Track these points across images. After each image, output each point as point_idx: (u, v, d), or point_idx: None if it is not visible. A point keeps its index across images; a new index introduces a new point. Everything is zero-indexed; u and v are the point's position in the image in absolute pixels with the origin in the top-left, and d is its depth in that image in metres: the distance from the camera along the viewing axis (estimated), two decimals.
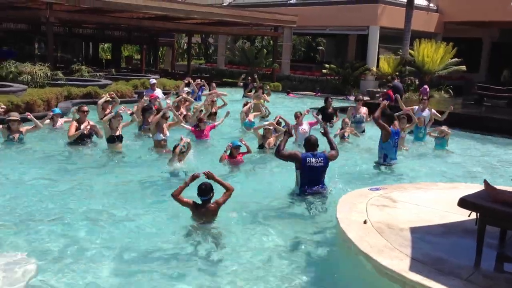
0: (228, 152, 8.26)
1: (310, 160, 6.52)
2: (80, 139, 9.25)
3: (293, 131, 7.89)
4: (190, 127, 10.50)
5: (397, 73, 21.98)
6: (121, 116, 9.06)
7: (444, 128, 10.78)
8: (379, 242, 4.39)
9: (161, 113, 9.22)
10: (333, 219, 5.92)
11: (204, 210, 5.48)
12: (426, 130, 11.45)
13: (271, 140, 9.45)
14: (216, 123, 10.97)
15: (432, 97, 20.71)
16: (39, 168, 7.84)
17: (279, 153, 6.62)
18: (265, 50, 31.44)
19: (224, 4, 30.79)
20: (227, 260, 4.90)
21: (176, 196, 5.44)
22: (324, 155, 6.68)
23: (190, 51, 32.69)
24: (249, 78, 20.68)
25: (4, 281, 4.16)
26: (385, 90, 19.12)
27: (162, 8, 20.73)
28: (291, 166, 6.83)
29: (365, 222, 4.89)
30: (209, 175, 5.56)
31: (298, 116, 10.42)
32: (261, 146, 9.46)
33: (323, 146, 7.05)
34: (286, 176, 7.33)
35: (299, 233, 5.69)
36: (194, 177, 5.55)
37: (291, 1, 29.02)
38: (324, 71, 25.51)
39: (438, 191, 6.31)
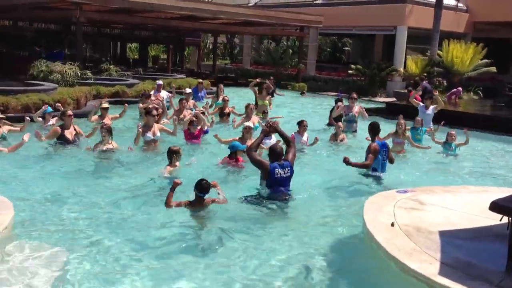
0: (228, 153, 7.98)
1: (278, 172, 6.27)
2: (62, 145, 8.90)
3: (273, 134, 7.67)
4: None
5: (425, 74, 21.68)
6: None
7: (453, 132, 10.29)
8: (407, 245, 4.35)
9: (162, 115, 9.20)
10: (353, 221, 5.95)
11: (199, 205, 5.79)
12: (425, 130, 10.97)
13: (250, 142, 8.77)
14: (205, 128, 10.20)
15: (461, 98, 20.38)
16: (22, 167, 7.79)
17: (250, 152, 6.40)
18: (290, 50, 31.39)
19: (250, 4, 30.87)
20: (250, 260, 4.91)
21: (169, 205, 5.70)
22: (289, 163, 6.41)
23: (215, 51, 32.90)
24: (268, 80, 20.71)
25: (41, 271, 4.28)
26: (407, 90, 18.89)
27: (189, 8, 20.90)
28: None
29: (392, 224, 4.84)
30: (213, 185, 5.83)
31: (302, 125, 9.95)
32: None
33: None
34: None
35: (322, 234, 5.66)
36: (176, 184, 5.74)
37: (317, 1, 28.93)
38: (350, 71, 25.33)
39: (468, 194, 6.20)
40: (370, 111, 17.53)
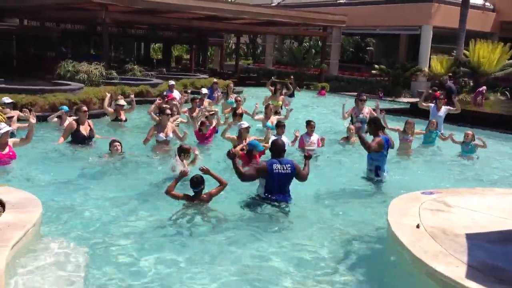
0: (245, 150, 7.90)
1: (276, 167, 6.07)
2: (79, 141, 8.99)
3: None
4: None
5: (450, 74, 21.36)
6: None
7: (469, 132, 10.08)
8: (433, 248, 4.30)
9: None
10: (377, 222, 5.92)
11: (197, 201, 5.92)
12: (438, 134, 10.77)
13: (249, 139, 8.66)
14: (216, 126, 10.21)
15: (487, 99, 20.02)
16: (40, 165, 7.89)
17: (244, 177, 6.08)
18: (313, 50, 31.30)
19: (273, 4, 30.87)
20: (266, 262, 4.92)
21: (169, 192, 5.91)
22: (292, 162, 6.23)
23: (238, 51, 32.99)
24: (288, 79, 20.67)
25: (65, 267, 4.36)
26: (430, 91, 18.63)
27: (212, 9, 21.03)
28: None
29: (418, 226, 4.79)
30: (204, 170, 5.92)
31: (310, 125, 9.77)
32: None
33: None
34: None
35: (346, 235, 5.65)
36: (183, 174, 5.97)
37: (340, 1, 28.76)
38: (373, 71, 25.11)
39: (495, 197, 6.10)
40: (393, 112, 17.47)
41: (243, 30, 29.13)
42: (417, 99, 20.16)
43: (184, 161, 7.15)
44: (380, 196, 7.17)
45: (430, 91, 19.60)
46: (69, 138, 9.11)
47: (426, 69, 23.94)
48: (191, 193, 6.00)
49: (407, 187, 7.02)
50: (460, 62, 22.73)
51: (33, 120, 7.70)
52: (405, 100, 21.87)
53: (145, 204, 6.34)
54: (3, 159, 7.41)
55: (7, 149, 7.53)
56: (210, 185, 6.11)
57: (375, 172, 7.49)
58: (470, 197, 5.99)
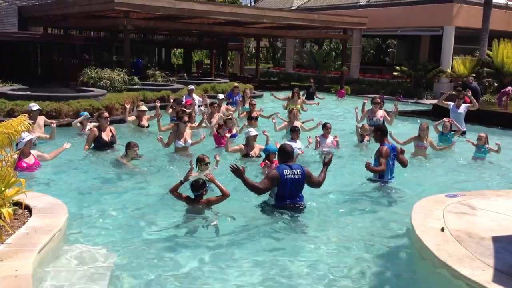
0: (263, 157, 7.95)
1: (287, 172, 5.95)
2: (102, 147, 9.16)
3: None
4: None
5: (474, 75, 21.01)
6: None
7: (483, 134, 9.85)
8: (458, 251, 4.23)
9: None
10: (398, 225, 5.86)
11: (196, 204, 6.00)
12: (452, 136, 10.67)
13: (256, 149, 8.78)
14: (234, 132, 10.42)
15: None
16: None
17: (260, 191, 5.92)
18: (333, 53, 31.13)
19: (293, 8, 30.86)
20: (290, 266, 4.92)
21: (172, 191, 6.05)
22: (301, 167, 6.11)
23: (258, 55, 33.04)
24: (309, 82, 20.58)
25: (88, 272, 4.43)
26: (453, 92, 18.35)
27: (233, 14, 21.12)
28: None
29: (442, 229, 4.73)
30: (210, 179, 6.05)
31: (326, 128, 9.97)
32: (246, 155, 8.73)
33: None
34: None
35: (366, 238, 5.60)
36: (188, 175, 6.04)
37: (360, 3, 28.58)
38: (395, 73, 24.87)
39: None
40: (416, 114, 17.28)
41: (264, 34, 29.17)
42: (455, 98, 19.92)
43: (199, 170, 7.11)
44: (396, 199, 7.12)
45: (453, 92, 19.32)
46: (92, 144, 9.29)
47: (449, 70, 23.61)
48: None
49: (428, 190, 7.00)
50: (484, 63, 22.35)
51: (66, 146, 8.23)
52: (428, 102, 21.60)
53: (166, 209, 6.38)
54: (28, 167, 7.61)
55: (31, 157, 7.77)
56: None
57: (378, 176, 7.48)
58: (495, 200, 5.88)
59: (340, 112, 17.33)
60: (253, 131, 8.83)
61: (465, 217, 5.15)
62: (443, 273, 4.07)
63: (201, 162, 7.04)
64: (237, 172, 5.80)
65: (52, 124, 9.51)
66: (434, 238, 4.53)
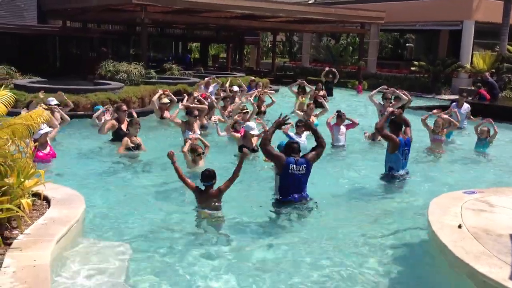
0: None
1: (292, 167, 6.02)
2: (121, 139, 8.99)
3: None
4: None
5: (493, 70, 20.68)
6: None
7: (485, 128, 9.84)
8: (475, 248, 4.19)
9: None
10: (416, 221, 5.83)
11: (206, 196, 5.85)
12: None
13: (254, 140, 8.65)
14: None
15: None
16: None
17: (265, 146, 6.08)
18: (350, 47, 30.93)
19: (310, 2, 30.68)
20: (320, 258, 4.94)
21: (180, 178, 5.94)
22: (306, 161, 6.12)
23: (274, 49, 32.94)
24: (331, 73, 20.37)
25: (104, 264, 4.48)
26: (473, 88, 18.14)
27: (250, 7, 21.07)
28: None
29: (459, 226, 4.68)
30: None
31: (340, 116, 9.93)
32: (242, 148, 8.32)
33: None
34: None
35: (381, 234, 5.58)
36: (170, 156, 6.02)
37: None
38: (413, 68, 24.60)
39: None
40: (434, 109, 17.03)
41: (280, 28, 29.06)
42: (458, 97, 19.68)
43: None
44: (411, 195, 7.09)
45: (473, 88, 19.07)
46: (110, 136, 9.38)
47: (468, 66, 23.27)
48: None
49: (446, 186, 6.96)
50: (504, 58, 21.98)
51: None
52: (446, 98, 21.34)
53: (183, 204, 6.41)
54: (45, 158, 7.78)
55: (48, 149, 7.96)
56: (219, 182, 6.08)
57: (389, 171, 7.47)
58: None
59: (361, 107, 17.21)
60: (254, 130, 8.61)
61: (483, 214, 5.09)
62: (460, 270, 4.03)
63: (194, 152, 7.36)
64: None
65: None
66: (450, 234, 4.49)
